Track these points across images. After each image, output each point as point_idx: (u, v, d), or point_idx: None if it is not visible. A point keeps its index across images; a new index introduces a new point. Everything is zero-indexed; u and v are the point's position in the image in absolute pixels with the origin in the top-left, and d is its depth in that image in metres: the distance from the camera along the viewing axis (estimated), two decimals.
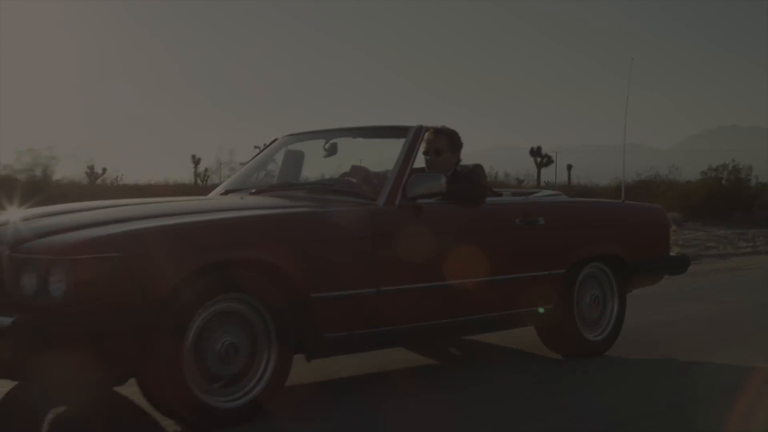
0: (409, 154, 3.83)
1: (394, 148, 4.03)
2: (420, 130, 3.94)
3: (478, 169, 4.24)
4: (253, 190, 4.05)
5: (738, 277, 8.91)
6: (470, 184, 3.98)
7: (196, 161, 17.26)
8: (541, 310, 4.19)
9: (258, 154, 4.70)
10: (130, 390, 3.19)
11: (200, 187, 15.01)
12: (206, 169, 18.10)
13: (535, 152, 24.73)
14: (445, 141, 4.15)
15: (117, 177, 16.92)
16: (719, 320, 5.75)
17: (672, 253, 5.01)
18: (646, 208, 5.12)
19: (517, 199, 4.51)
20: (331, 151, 4.29)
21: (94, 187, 14.71)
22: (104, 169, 17.91)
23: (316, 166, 4.69)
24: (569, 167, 31.17)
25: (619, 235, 4.60)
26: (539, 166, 24.78)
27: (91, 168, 18.23)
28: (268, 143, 4.72)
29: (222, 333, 3.05)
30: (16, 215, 3.32)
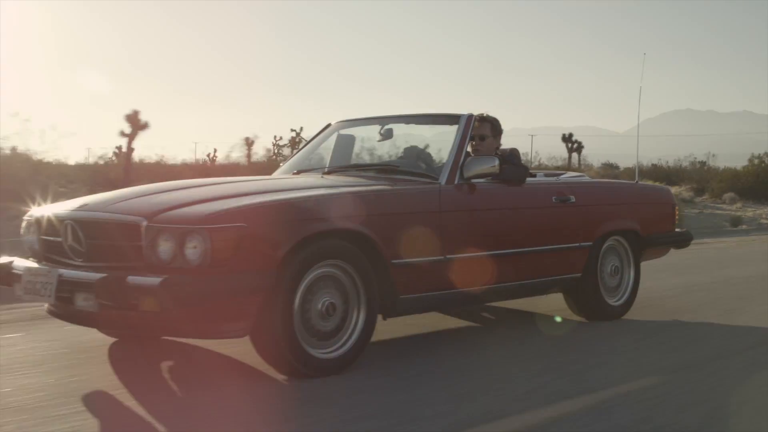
0: (463, 139, 4.33)
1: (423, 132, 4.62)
2: (471, 118, 4.44)
3: (515, 152, 4.77)
4: (325, 170, 4.52)
5: None
6: (515, 166, 4.50)
7: (250, 143, 17.91)
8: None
9: (313, 138, 5.16)
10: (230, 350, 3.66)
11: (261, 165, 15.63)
12: (276, 149, 18.19)
13: (567, 138, 26.04)
14: (489, 128, 4.66)
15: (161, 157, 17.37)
16: None
17: (677, 229, 5.61)
18: (656, 189, 5.71)
19: (552, 180, 5.03)
20: (387, 135, 4.77)
21: (162, 167, 14.88)
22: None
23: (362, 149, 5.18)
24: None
25: (635, 212, 5.17)
26: (570, 151, 25.95)
27: (119, 148, 18.73)
28: (322, 128, 5.18)
29: (322, 294, 3.54)
30: (129, 191, 3.77)
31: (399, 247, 3.79)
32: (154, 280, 3.10)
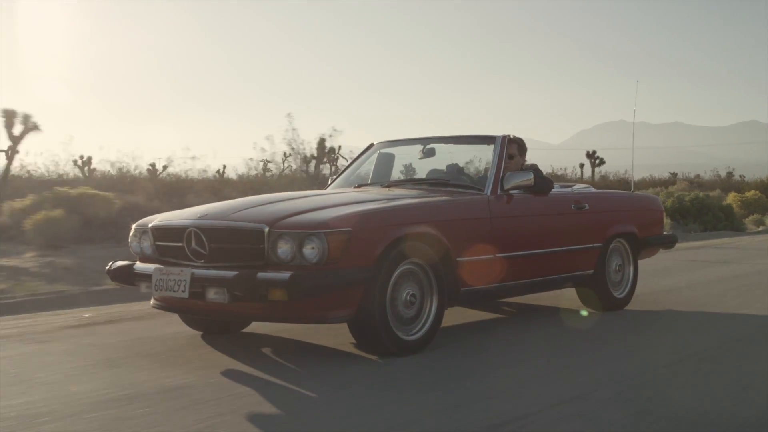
0: (500, 156, 5.12)
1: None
2: (505, 138, 5.24)
3: (536, 167, 5.57)
4: (386, 184, 5.26)
5: None
6: (542, 179, 5.29)
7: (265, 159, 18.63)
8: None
9: (358, 157, 5.90)
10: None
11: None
12: (311, 159, 18.40)
13: (591, 155, 27.35)
14: (516, 148, 5.45)
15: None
16: None
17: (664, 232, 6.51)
18: (649, 198, 6.58)
19: (569, 191, 5.84)
20: (428, 153, 5.54)
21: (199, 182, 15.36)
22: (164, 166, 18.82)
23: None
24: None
25: (634, 217, 6.04)
26: (594, 165, 27.31)
27: (153, 165, 19.39)
28: (365, 148, 5.92)
29: (405, 287, 4.26)
30: (241, 203, 4.45)
31: (461, 247, 4.54)
32: (284, 275, 3.80)
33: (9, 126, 12.66)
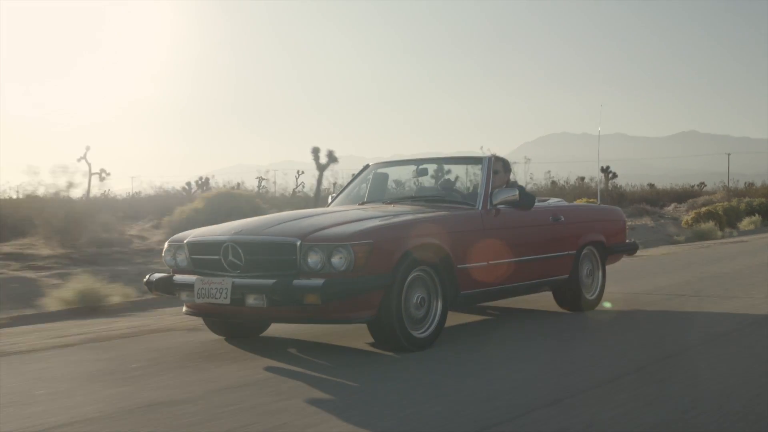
0: (488, 174, 5.78)
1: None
2: (491, 159, 5.91)
3: (517, 184, 6.25)
4: (388, 201, 5.88)
5: None
6: (526, 194, 5.96)
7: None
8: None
9: (355, 178, 6.51)
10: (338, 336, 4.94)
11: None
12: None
13: (605, 170, 28.36)
14: (500, 165, 6.13)
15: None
16: None
17: (627, 240, 7.27)
18: (613, 209, 7.34)
19: (546, 205, 6.53)
20: (421, 173, 6.19)
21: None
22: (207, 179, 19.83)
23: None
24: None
25: (601, 227, 6.77)
26: (607, 180, 28.38)
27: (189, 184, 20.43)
28: (361, 169, 6.54)
29: (415, 291, 4.88)
30: (271, 219, 5.03)
31: (460, 255, 5.19)
32: (317, 282, 4.40)
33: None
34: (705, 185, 38.36)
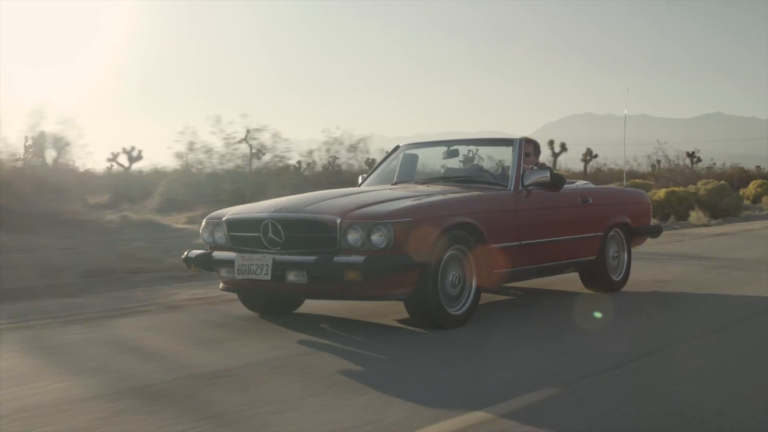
0: (520, 156, 5.83)
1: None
2: (522, 140, 5.96)
3: (547, 166, 6.30)
4: (421, 182, 5.94)
5: None
6: (556, 176, 6.01)
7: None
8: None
9: (386, 158, 6.57)
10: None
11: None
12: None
13: (690, 155, 29.29)
14: (531, 147, 6.17)
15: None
16: None
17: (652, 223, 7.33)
18: (638, 192, 7.39)
19: (575, 187, 6.57)
20: (452, 154, 6.24)
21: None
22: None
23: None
24: None
25: (627, 209, 6.82)
26: (693, 163, 29.27)
27: None
28: (391, 150, 6.60)
29: (451, 269, 4.95)
30: (310, 197, 5.11)
31: (494, 235, 5.25)
32: (358, 259, 4.47)
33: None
34: (761, 168, 37.55)
